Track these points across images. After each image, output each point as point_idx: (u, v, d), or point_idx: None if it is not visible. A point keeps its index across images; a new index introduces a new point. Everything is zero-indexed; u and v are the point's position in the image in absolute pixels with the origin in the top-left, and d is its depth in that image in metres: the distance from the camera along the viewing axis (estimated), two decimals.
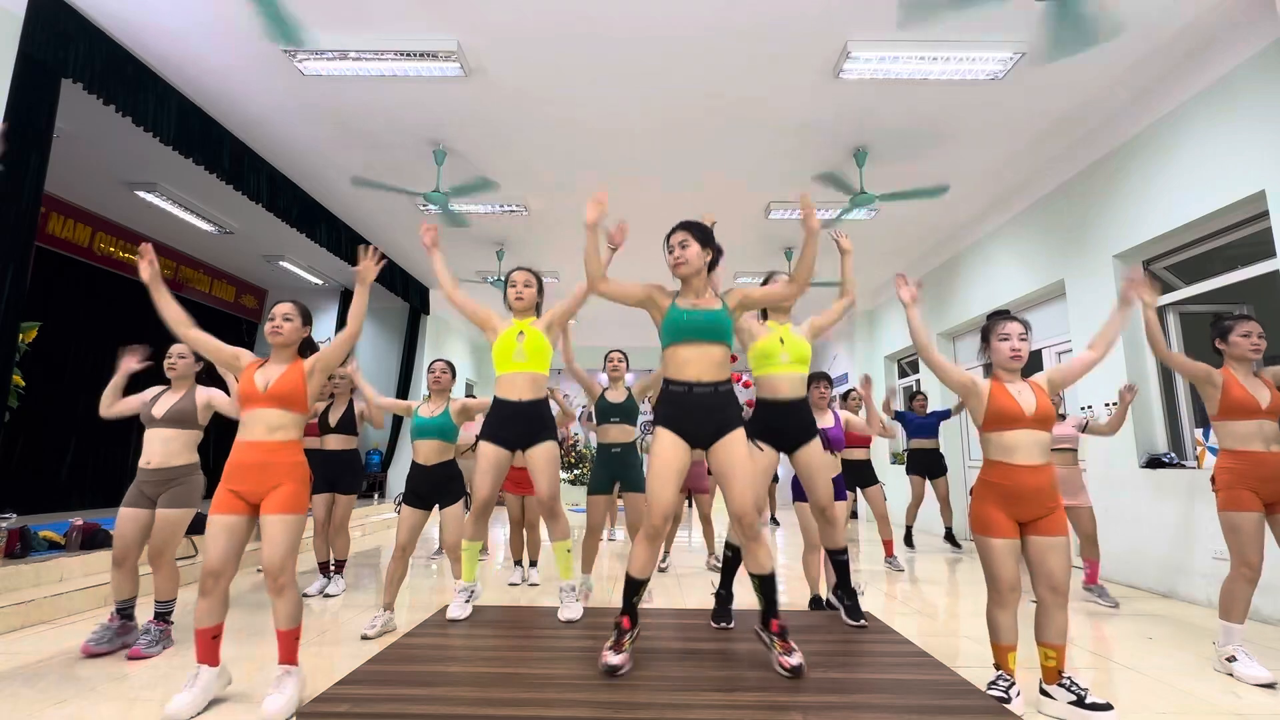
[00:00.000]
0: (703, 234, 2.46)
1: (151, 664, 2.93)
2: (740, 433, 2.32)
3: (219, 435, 9.10)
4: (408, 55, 4.27)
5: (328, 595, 4.37)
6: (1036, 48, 4.22)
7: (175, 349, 3.28)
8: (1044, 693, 2.38)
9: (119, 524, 3.11)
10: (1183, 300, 4.75)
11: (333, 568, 4.57)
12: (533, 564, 4.96)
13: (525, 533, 4.98)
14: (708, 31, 4.15)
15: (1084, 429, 4.20)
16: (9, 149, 3.53)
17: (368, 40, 4.22)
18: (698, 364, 2.34)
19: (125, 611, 3.15)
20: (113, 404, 3.26)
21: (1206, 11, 3.91)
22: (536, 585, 4.77)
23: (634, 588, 2.32)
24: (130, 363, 3.31)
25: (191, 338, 2.66)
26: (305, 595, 4.21)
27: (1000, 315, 2.56)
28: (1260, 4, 3.75)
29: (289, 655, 2.44)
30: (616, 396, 4.13)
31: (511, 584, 4.78)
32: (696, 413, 2.31)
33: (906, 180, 6.11)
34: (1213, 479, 2.98)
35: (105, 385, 3.29)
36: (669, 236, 2.49)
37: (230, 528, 2.44)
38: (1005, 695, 2.33)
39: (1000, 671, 2.43)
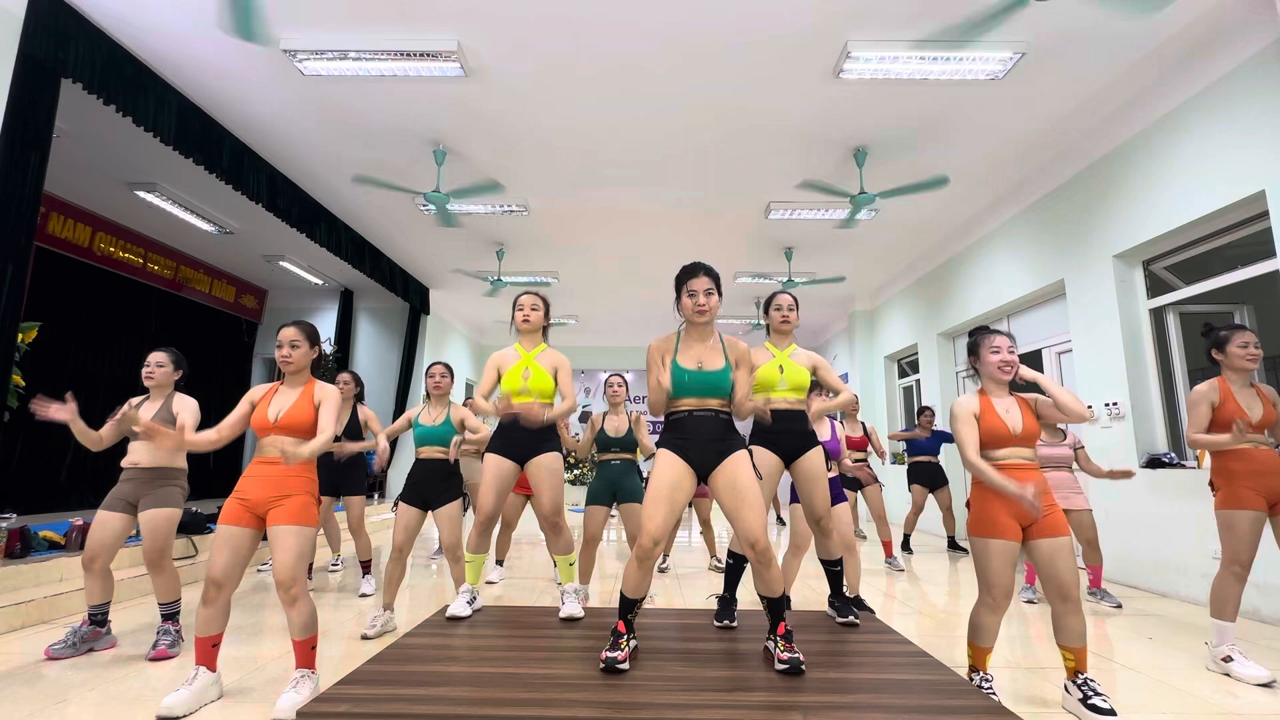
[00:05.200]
0: (718, 281, 2.46)
1: (152, 665, 2.93)
2: (743, 455, 2.31)
3: None
4: (408, 55, 4.27)
5: (363, 595, 4.35)
6: (1036, 48, 4.22)
7: (153, 357, 3.24)
8: (1066, 689, 2.45)
9: (94, 527, 3.08)
10: (1183, 300, 4.75)
11: (333, 566, 4.58)
12: (499, 562, 4.97)
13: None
14: (708, 31, 4.15)
15: (1077, 450, 4.21)
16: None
17: (368, 40, 4.22)
18: (697, 404, 2.38)
19: (97, 618, 3.11)
20: (99, 441, 3.16)
21: (1206, 11, 3.91)
22: (493, 583, 4.78)
23: (628, 606, 2.32)
24: (47, 412, 2.87)
25: (226, 438, 2.61)
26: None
27: (986, 330, 2.60)
28: (1260, 4, 3.75)
29: (306, 661, 2.47)
30: (617, 428, 4.13)
31: (489, 581, 4.79)
32: (697, 436, 2.32)
33: (907, 180, 6.11)
34: (1211, 483, 2.99)
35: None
36: (689, 279, 2.42)
37: (236, 539, 2.45)
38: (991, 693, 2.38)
39: (981, 672, 2.47)
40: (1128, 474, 3.69)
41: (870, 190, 6.07)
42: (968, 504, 2.51)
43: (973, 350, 2.62)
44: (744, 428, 8.87)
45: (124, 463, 3.15)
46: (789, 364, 2.93)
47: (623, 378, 4.35)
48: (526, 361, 3.03)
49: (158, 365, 3.24)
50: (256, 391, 2.67)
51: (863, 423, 5.88)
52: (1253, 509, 2.82)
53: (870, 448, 5.84)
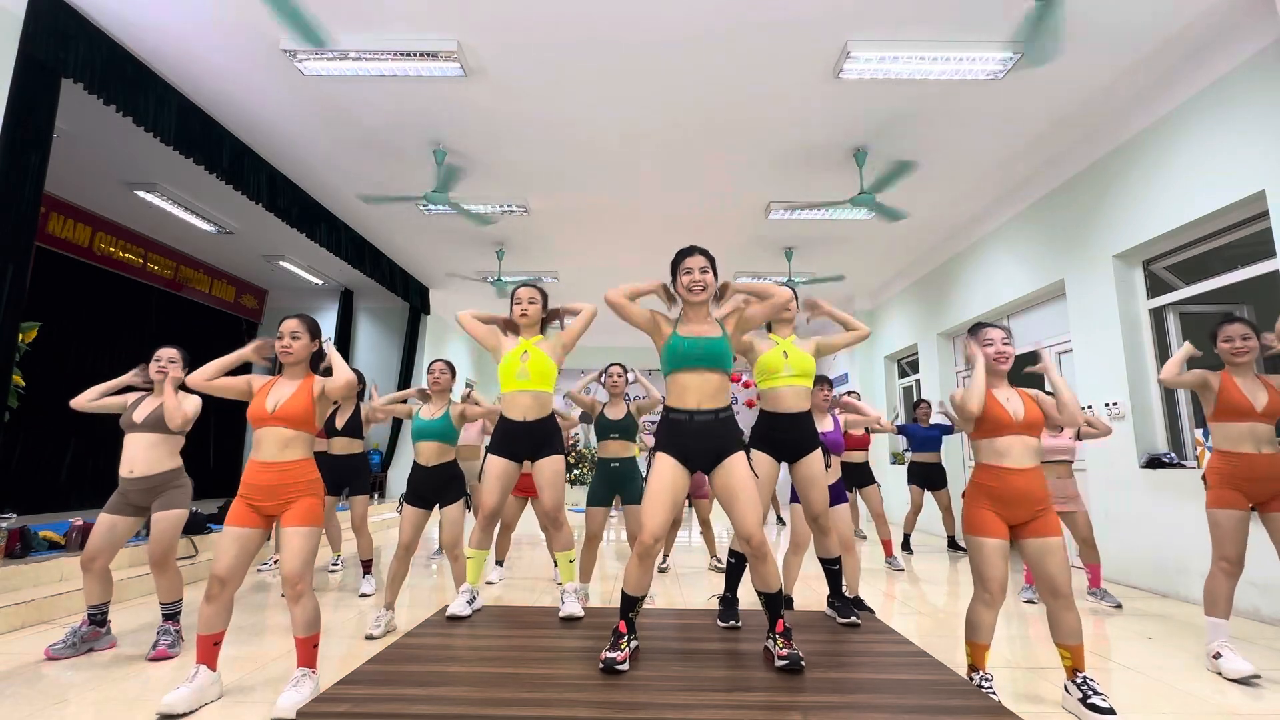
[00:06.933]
0: (714, 262, 2.50)
1: (152, 665, 2.93)
2: (740, 456, 2.34)
3: (219, 434, 9.16)
4: (408, 55, 4.27)
5: (363, 595, 4.37)
6: (1027, 48, 4.22)
7: (165, 353, 3.24)
8: (1066, 689, 2.46)
9: (95, 528, 3.08)
10: (1183, 300, 4.75)
11: (333, 566, 4.59)
12: (499, 563, 4.98)
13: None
14: (708, 31, 4.15)
15: (1078, 437, 4.22)
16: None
17: (368, 40, 4.21)
18: (698, 391, 2.36)
19: (96, 618, 3.12)
20: (95, 400, 3.19)
21: (1206, 12, 3.91)
22: (492, 584, 4.79)
23: (629, 604, 2.33)
24: (135, 379, 3.25)
25: (214, 387, 2.64)
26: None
27: (980, 325, 2.66)
28: (1260, 4, 3.75)
29: (308, 660, 2.49)
30: (616, 413, 4.15)
31: (489, 582, 4.80)
32: (697, 440, 2.34)
33: (907, 180, 6.11)
34: (1204, 477, 3.02)
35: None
36: (685, 258, 2.48)
37: (243, 539, 2.48)
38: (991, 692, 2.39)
39: (980, 671, 2.47)
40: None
41: (870, 190, 6.06)
42: (965, 494, 2.53)
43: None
44: (745, 428, 8.86)
45: (121, 472, 3.14)
46: (793, 350, 2.93)
47: (623, 367, 4.34)
48: (526, 345, 2.98)
49: (170, 361, 3.23)
50: (258, 379, 2.69)
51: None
52: (1236, 509, 2.88)
53: (866, 417, 5.76)
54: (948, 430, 6.19)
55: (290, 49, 4.24)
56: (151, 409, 3.18)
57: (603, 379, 4.37)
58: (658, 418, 2.54)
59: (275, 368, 2.74)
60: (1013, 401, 2.50)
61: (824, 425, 3.86)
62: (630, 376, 4.40)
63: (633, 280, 2.56)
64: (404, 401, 4.28)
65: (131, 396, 3.27)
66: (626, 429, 4.10)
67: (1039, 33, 3.98)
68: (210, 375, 2.61)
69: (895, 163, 5.42)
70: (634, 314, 2.49)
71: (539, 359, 2.96)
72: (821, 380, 3.92)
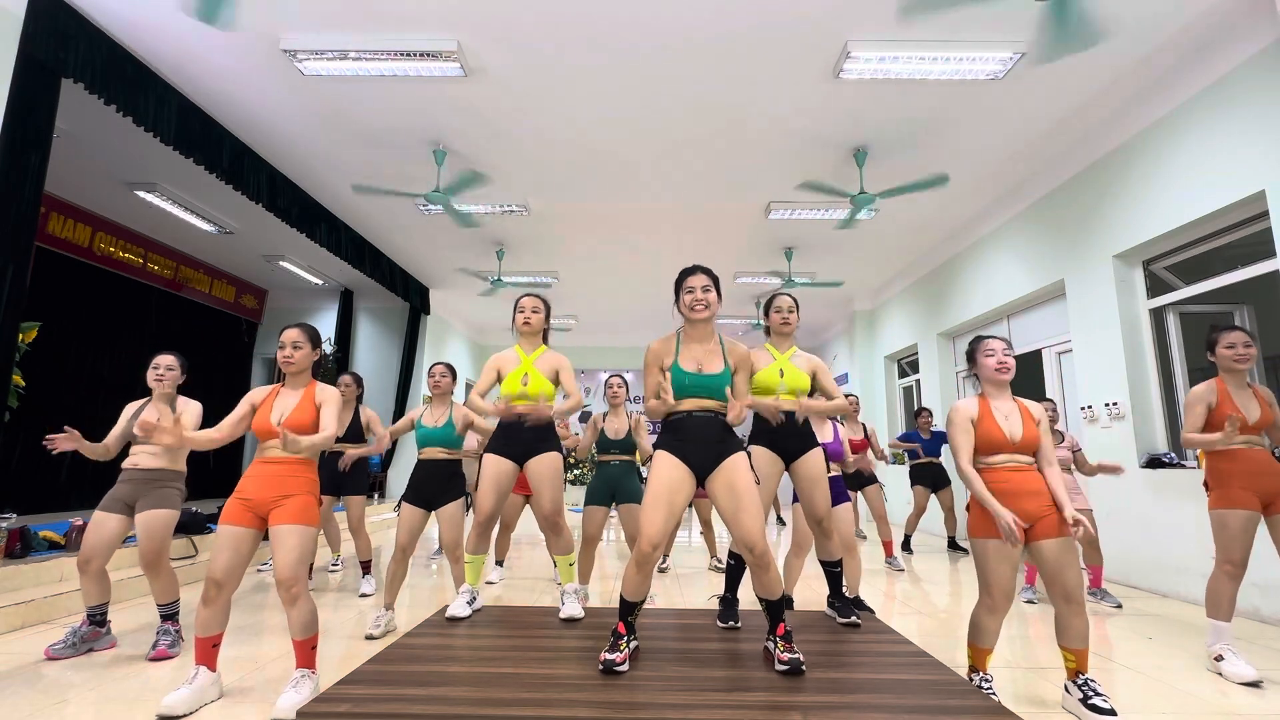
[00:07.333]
0: (717, 281, 2.48)
1: (154, 665, 2.93)
2: (742, 457, 2.31)
3: None
4: (408, 55, 4.27)
5: (363, 595, 4.37)
6: (1036, 48, 4.22)
7: (163, 360, 3.23)
8: (1066, 689, 2.45)
9: (90, 528, 3.06)
10: (1183, 300, 4.75)
11: (333, 566, 4.58)
12: (499, 563, 4.98)
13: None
14: (708, 31, 4.15)
15: (1075, 452, 4.24)
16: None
17: (368, 40, 4.22)
18: (695, 404, 2.37)
19: (96, 618, 3.10)
20: (106, 451, 3.13)
21: (1206, 12, 3.91)
22: (492, 584, 4.79)
23: (628, 608, 2.31)
24: (59, 444, 2.96)
25: (227, 437, 2.61)
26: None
27: (981, 337, 2.66)
28: (1260, 4, 3.75)
29: (307, 662, 2.48)
30: (617, 430, 4.13)
31: (489, 582, 4.79)
32: (696, 437, 2.32)
33: (907, 180, 6.11)
34: (1205, 483, 3.00)
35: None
36: (687, 278, 2.46)
37: (237, 539, 2.46)
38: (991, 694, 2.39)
39: (981, 672, 2.47)
40: (1117, 469, 3.81)
41: (870, 190, 6.07)
42: (968, 506, 2.52)
43: (970, 358, 2.66)
44: (743, 428, 8.88)
45: (124, 464, 3.15)
46: (789, 367, 2.93)
47: (623, 378, 4.35)
48: (526, 367, 3.02)
49: (168, 369, 3.23)
50: (258, 394, 2.67)
51: (863, 424, 5.88)
52: (1245, 509, 2.83)
53: (870, 450, 5.84)
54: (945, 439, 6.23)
55: (290, 49, 4.24)
56: (153, 419, 3.17)
57: (590, 404, 4.38)
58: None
59: (277, 376, 2.73)
60: (1011, 419, 2.46)
61: (824, 435, 3.83)
62: (631, 379, 4.40)
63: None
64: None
65: (130, 409, 3.26)
66: (627, 447, 4.09)
67: (1056, 28, 3.95)
68: (219, 438, 2.58)
69: (931, 175, 5.42)
70: (658, 377, 2.43)
71: (538, 382, 2.98)
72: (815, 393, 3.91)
